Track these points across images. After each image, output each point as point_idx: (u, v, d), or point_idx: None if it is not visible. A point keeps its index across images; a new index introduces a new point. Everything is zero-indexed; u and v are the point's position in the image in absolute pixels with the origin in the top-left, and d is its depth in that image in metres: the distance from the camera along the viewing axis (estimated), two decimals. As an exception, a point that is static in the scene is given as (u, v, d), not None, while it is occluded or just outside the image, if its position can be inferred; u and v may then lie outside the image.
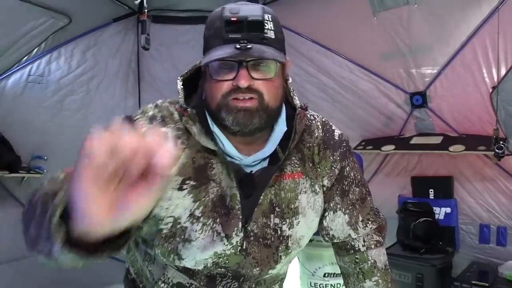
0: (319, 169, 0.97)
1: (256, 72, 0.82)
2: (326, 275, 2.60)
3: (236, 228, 0.89)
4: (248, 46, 0.78)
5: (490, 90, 2.55)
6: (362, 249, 1.01)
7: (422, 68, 2.83)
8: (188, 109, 0.87)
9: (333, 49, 3.07)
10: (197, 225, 0.87)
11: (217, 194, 0.88)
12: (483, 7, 2.45)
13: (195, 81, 0.95)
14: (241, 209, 0.88)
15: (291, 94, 0.96)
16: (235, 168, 0.88)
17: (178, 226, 0.87)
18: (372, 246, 1.01)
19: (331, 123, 1.03)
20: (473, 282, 2.41)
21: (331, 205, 0.99)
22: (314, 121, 1.00)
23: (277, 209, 0.92)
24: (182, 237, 0.87)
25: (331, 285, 2.60)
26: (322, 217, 1.01)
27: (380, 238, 1.03)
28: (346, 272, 1.05)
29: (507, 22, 2.35)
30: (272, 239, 0.93)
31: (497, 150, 2.36)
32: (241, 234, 0.89)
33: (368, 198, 1.03)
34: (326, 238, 1.04)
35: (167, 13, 3.37)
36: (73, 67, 3.06)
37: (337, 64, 3.08)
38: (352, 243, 1.02)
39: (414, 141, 2.93)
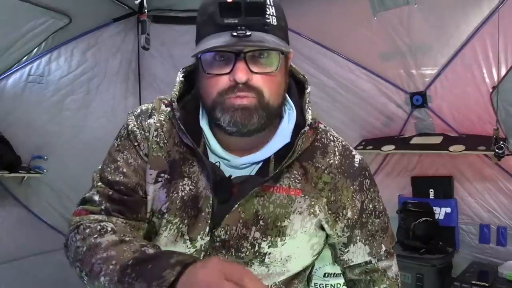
0: (339, 197, 0.87)
1: (256, 65, 0.73)
2: (326, 275, 2.60)
3: (202, 232, 0.82)
4: (247, 33, 0.68)
5: (490, 90, 2.55)
6: (373, 261, 0.96)
7: (422, 68, 2.82)
8: (174, 103, 0.83)
9: (333, 49, 3.06)
10: (162, 221, 0.82)
11: (189, 193, 0.81)
12: (483, 7, 2.45)
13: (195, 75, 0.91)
14: (212, 213, 0.81)
15: (306, 106, 0.85)
16: (213, 169, 0.80)
17: (152, 220, 0.85)
18: (383, 258, 0.97)
19: (351, 148, 0.92)
20: (473, 282, 2.41)
21: (352, 238, 0.92)
22: (332, 143, 0.88)
23: (261, 222, 0.82)
24: (154, 230, 0.85)
25: (331, 285, 2.59)
26: (341, 251, 0.94)
27: (391, 249, 0.99)
28: (356, 280, 1.00)
29: (507, 22, 2.34)
30: (247, 253, 0.83)
31: (497, 150, 2.36)
32: (207, 239, 0.82)
33: (389, 226, 0.98)
34: (343, 267, 0.99)
35: (167, 13, 3.37)
36: (73, 67, 3.05)
37: (337, 64, 3.07)
38: None
39: (414, 141, 2.93)
